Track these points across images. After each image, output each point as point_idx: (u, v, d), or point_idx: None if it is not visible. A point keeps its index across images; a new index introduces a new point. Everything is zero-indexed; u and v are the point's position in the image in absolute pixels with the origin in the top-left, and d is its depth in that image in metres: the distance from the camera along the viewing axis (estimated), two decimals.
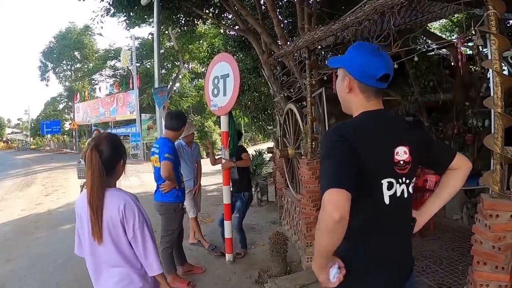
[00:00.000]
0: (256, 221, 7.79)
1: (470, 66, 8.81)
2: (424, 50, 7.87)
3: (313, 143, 4.96)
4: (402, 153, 1.67)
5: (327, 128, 4.80)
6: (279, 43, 7.21)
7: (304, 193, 5.07)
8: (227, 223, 5.41)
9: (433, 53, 8.46)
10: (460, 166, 1.92)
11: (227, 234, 5.45)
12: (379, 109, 1.74)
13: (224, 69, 5.12)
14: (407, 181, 1.70)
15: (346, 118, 1.84)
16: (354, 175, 1.51)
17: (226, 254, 5.57)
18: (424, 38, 9.00)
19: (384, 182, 1.64)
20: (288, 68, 6.52)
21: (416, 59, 3.95)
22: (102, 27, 19.51)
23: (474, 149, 7.89)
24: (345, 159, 1.54)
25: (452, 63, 7.69)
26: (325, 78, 4.90)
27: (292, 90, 5.92)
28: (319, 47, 5.00)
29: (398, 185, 1.67)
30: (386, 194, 1.65)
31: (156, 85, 4.93)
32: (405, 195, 1.70)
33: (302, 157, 5.34)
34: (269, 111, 13.15)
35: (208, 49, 15.03)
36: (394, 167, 1.66)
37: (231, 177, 5.45)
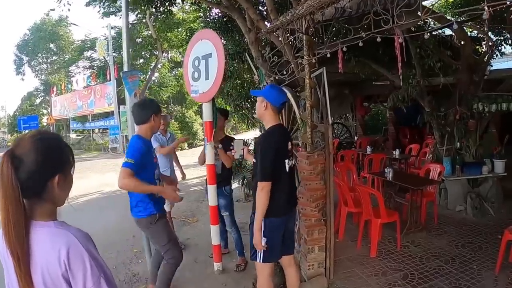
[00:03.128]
0: (244, 220, 7.08)
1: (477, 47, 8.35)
2: (430, 29, 7.26)
3: (313, 133, 4.28)
4: (289, 145, 3.43)
5: (329, 115, 4.10)
6: (267, 20, 6.53)
7: (304, 191, 4.38)
8: (214, 228, 4.71)
9: (435, 33, 7.95)
10: None
11: (215, 240, 4.75)
12: (279, 123, 3.43)
13: (206, 48, 4.34)
14: (291, 158, 3.43)
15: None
16: (274, 167, 3.17)
17: (215, 263, 4.88)
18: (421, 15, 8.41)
19: (286, 161, 3.33)
20: (278, 48, 5.82)
21: (426, 36, 3.42)
22: (69, 10, 18.58)
23: (476, 135, 7.60)
24: (270, 160, 3.16)
25: (457, 44, 7.20)
26: (328, 55, 4.18)
27: (285, 72, 5.21)
28: (318, 20, 4.28)
29: (290, 160, 3.38)
30: (287, 166, 3.33)
31: (126, 68, 4.22)
32: (291, 165, 3.42)
33: (300, 149, 4.63)
34: (253, 98, 12.65)
35: (187, 33, 14.12)
36: (287, 152, 3.36)
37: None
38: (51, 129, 37.96)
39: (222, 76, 4.14)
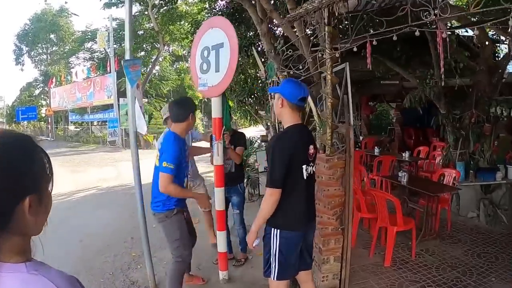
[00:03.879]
0: (249, 221, 6.68)
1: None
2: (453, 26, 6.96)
3: (333, 134, 3.89)
4: (311, 149, 3.01)
5: (351, 116, 3.74)
6: (280, 11, 6.13)
7: (321, 198, 4.01)
8: (221, 235, 4.33)
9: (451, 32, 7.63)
10: None
11: (221, 248, 4.37)
12: (298, 123, 3.02)
13: (217, 38, 3.93)
14: (312, 164, 3.06)
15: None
16: (285, 174, 2.80)
17: (220, 272, 4.51)
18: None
19: (304, 167, 2.94)
20: (292, 42, 5.42)
21: (444, 35, 3.10)
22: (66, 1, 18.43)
23: (490, 140, 7.32)
24: (282, 165, 2.80)
25: (477, 44, 6.89)
26: (354, 49, 3.81)
27: (301, 67, 4.82)
28: (340, 12, 3.90)
29: (310, 166, 3.01)
30: (304, 173, 2.94)
31: (128, 57, 3.84)
32: (312, 172, 3.05)
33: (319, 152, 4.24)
34: (257, 94, 12.32)
35: (193, 25, 13.66)
36: (308, 157, 2.98)
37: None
38: (49, 120, 37.75)
39: (234, 68, 3.75)
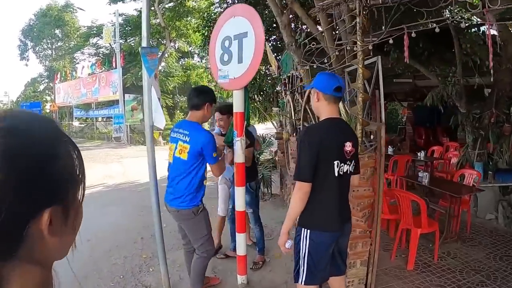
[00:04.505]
0: (264, 222, 6.43)
1: None
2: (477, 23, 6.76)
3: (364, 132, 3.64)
4: (348, 146, 2.75)
5: (383, 112, 3.49)
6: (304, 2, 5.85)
7: (350, 199, 3.72)
8: (240, 237, 4.05)
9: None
10: (355, 182, 3.10)
11: (241, 251, 4.10)
12: (335, 117, 2.83)
13: (240, 26, 3.64)
14: (349, 163, 2.79)
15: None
16: (313, 167, 2.62)
17: (238, 276, 4.24)
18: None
19: (335, 163, 2.69)
20: (314, 35, 5.15)
21: (495, 28, 2.89)
22: None
23: (510, 140, 7.21)
24: (309, 158, 2.62)
25: (500, 42, 6.72)
26: (390, 41, 3.57)
27: (326, 61, 4.56)
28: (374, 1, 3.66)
29: (345, 165, 2.75)
30: (336, 170, 2.69)
31: (145, 44, 3.55)
32: (348, 171, 2.80)
33: None
34: (266, 90, 12.11)
35: (204, 19, 13.32)
36: (344, 154, 2.73)
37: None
38: (53, 116, 37.68)
39: (260, 59, 3.47)
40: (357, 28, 3.60)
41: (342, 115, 4.16)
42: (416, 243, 4.68)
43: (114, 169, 13.39)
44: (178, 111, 29.25)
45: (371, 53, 3.78)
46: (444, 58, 7.78)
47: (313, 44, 4.77)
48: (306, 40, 4.96)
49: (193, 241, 3.78)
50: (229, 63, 3.78)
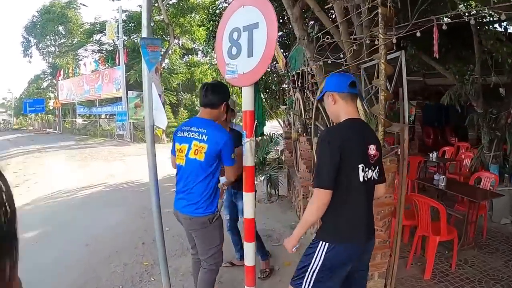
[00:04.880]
0: (271, 225, 6.16)
1: None
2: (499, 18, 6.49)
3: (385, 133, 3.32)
4: (372, 149, 2.46)
5: (406, 113, 3.19)
6: None
7: None
8: (249, 246, 3.71)
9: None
10: (380, 192, 2.72)
11: (249, 261, 3.76)
12: (356, 118, 2.51)
13: (250, 17, 3.30)
14: (373, 168, 2.47)
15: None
16: (335, 172, 2.29)
17: None
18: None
19: (360, 166, 2.37)
20: (328, 29, 4.81)
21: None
22: None
23: None
24: (330, 161, 2.30)
25: None
26: (418, 34, 3.27)
27: (342, 56, 4.25)
28: None
29: (370, 170, 2.43)
30: (361, 175, 2.38)
31: (145, 34, 3.23)
32: (372, 178, 2.47)
33: None
34: (272, 87, 11.85)
35: (209, 11, 12.97)
36: (368, 158, 2.43)
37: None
38: (56, 113, 37.68)
39: (273, 52, 3.14)
40: (379, 19, 3.27)
41: (360, 115, 3.88)
42: (434, 251, 4.42)
43: (116, 168, 13.10)
44: (182, 108, 28.99)
45: (394, 48, 3.47)
46: (460, 56, 7.48)
47: (327, 38, 4.45)
48: (319, 34, 4.63)
49: (203, 252, 3.46)
50: (238, 57, 3.44)
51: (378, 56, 3.28)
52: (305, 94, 6.21)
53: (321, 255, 2.41)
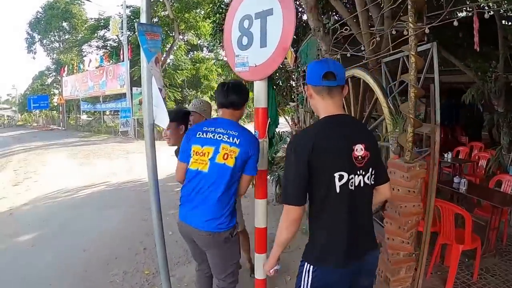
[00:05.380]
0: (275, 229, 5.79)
1: None
2: None
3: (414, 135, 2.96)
4: (359, 150, 2.01)
5: (438, 112, 2.85)
6: None
7: (395, 216, 3.11)
8: (260, 258, 3.36)
9: None
10: (385, 194, 2.29)
11: (259, 274, 3.41)
12: (336, 114, 2.07)
13: (263, 2, 2.95)
14: (363, 172, 2.05)
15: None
16: (303, 186, 1.97)
17: None
18: None
19: (336, 175, 1.96)
20: (345, 20, 4.45)
21: None
22: None
23: None
24: (296, 174, 1.97)
25: None
26: (455, 23, 2.92)
27: (363, 48, 3.90)
28: None
29: (355, 176, 2.01)
30: (338, 184, 1.96)
31: (144, 20, 2.91)
32: (362, 184, 2.04)
33: (394, 157, 3.33)
34: (280, 83, 11.53)
35: (215, 3, 12.61)
36: (352, 162, 2.00)
37: None
38: (60, 109, 37.65)
39: (290, 41, 2.77)
40: (409, 7, 2.91)
41: (384, 113, 3.51)
42: (457, 261, 4.10)
43: (119, 166, 12.77)
44: (187, 105, 28.74)
45: (425, 39, 3.11)
46: (480, 52, 7.13)
47: (346, 29, 4.09)
48: (336, 25, 4.27)
49: (220, 271, 3.09)
50: (249, 48, 3.09)
51: (408, 48, 2.91)
52: None
53: (308, 277, 2.12)
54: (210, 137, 2.84)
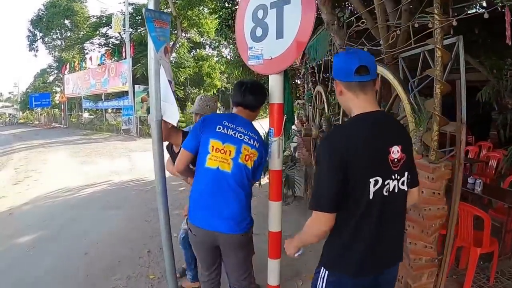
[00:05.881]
0: (288, 230, 5.49)
1: None
2: None
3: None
4: (396, 152, 1.83)
5: (464, 109, 2.68)
6: None
7: (418, 219, 2.92)
8: (273, 264, 3.17)
9: None
10: (413, 198, 2.08)
11: (273, 280, 3.21)
12: (371, 111, 1.86)
13: None
14: (399, 177, 1.87)
15: None
16: (339, 192, 1.77)
17: None
18: None
19: (372, 181, 1.78)
20: (359, 14, 4.24)
21: None
22: None
23: None
24: (331, 180, 1.78)
25: None
26: (486, 16, 2.72)
27: (381, 42, 3.71)
28: None
29: (391, 181, 1.84)
30: (372, 190, 1.79)
31: (151, 5, 2.76)
32: (396, 190, 1.87)
33: (417, 157, 3.13)
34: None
35: None
36: (388, 165, 1.82)
37: None
38: (62, 107, 37.62)
39: (310, 32, 2.57)
40: None
41: (406, 110, 3.31)
42: (475, 264, 3.93)
43: (121, 164, 12.57)
44: (190, 103, 28.62)
45: (452, 32, 2.93)
46: (493, 49, 6.93)
47: (362, 23, 3.90)
48: (352, 18, 4.06)
49: (243, 271, 2.91)
50: (264, 39, 2.89)
51: (433, 41, 2.71)
52: (329, 87, 5.66)
53: (322, 284, 1.99)
54: (231, 134, 2.66)
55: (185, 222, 3.67)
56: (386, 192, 1.83)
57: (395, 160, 1.84)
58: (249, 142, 2.67)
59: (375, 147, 1.82)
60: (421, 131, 2.95)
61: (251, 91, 2.80)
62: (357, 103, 1.88)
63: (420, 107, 3.14)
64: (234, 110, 2.86)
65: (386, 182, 1.83)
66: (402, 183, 1.90)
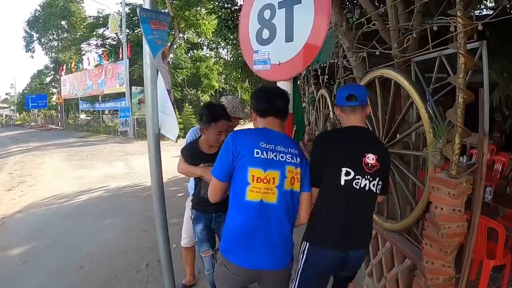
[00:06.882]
0: (295, 239, 5.34)
1: None
2: None
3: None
4: (370, 158, 2.33)
5: (487, 120, 2.49)
6: None
7: (437, 238, 2.71)
8: None
9: None
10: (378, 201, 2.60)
11: None
12: (355, 126, 2.44)
13: None
14: (371, 178, 2.33)
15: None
16: (322, 171, 2.35)
17: None
18: None
19: (343, 170, 2.31)
20: (370, 15, 4.01)
21: None
22: None
23: None
24: (318, 159, 2.39)
25: None
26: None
27: (396, 45, 3.49)
28: None
29: (362, 178, 2.32)
30: (343, 178, 2.30)
31: (147, 5, 2.54)
32: (367, 188, 2.33)
33: (436, 171, 2.92)
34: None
35: None
36: (361, 165, 2.32)
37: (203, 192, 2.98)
38: (59, 108, 37.47)
39: (324, 35, 2.35)
40: (457, 0, 2.49)
41: (423, 119, 3.10)
42: (487, 277, 3.82)
43: (118, 169, 12.32)
44: (187, 103, 28.40)
45: (475, 36, 2.72)
46: (503, 52, 6.74)
47: (373, 24, 3.67)
48: (363, 19, 3.83)
49: None
50: (271, 42, 2.68)
51: (456, 46, 2.49)
52: (333, 91, 5.42)
53: (304, 255, 2.42)
54: (272, 157, 2.23)
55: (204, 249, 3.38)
56: (356, 185, 2.32)
57: (369, 164, 2.34)
58: (292, 161, 2.27)
59: (349, 149, 2.39)
60: (441, 143, 2.73)
61: (277, 96, 2.40)
62: (347, 120, 2.48)
63: (437, 117, 2.93)
64: (262, 122, 2.39)
65: (357, 177, 2.32)
66: (373, 185, 2.36)
